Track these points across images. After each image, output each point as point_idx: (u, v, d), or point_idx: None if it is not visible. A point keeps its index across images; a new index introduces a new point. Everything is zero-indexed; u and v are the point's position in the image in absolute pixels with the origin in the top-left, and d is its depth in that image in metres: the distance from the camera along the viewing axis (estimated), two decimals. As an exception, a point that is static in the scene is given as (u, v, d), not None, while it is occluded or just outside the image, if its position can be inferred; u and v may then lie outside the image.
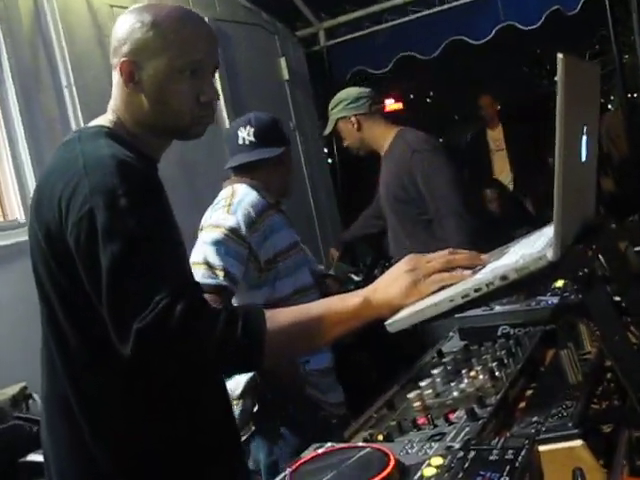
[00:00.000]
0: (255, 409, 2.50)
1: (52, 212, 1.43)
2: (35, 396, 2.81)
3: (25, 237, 3.38)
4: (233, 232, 2.46)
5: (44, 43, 3.73)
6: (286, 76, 5.64)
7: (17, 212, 3.51)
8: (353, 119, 3.42)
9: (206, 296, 1.38)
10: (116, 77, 1.59)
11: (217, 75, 1.70)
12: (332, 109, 3.51)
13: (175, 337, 1.25)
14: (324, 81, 6.03)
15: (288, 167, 2.76)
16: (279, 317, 1.35)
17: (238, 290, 2.47)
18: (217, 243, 2.43)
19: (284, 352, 1.45)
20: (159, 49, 1.52)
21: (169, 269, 1.34)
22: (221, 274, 2.39)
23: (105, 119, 1.60)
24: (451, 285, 1.30)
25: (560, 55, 1.05)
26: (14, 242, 3.33)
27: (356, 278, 4.89)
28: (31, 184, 3.49)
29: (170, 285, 1.28)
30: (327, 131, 3.65)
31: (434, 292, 1.31)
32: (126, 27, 1.55)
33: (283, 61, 5.64)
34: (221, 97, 4.32)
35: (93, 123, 1.61)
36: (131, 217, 1.34)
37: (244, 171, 2.67)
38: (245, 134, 2.67)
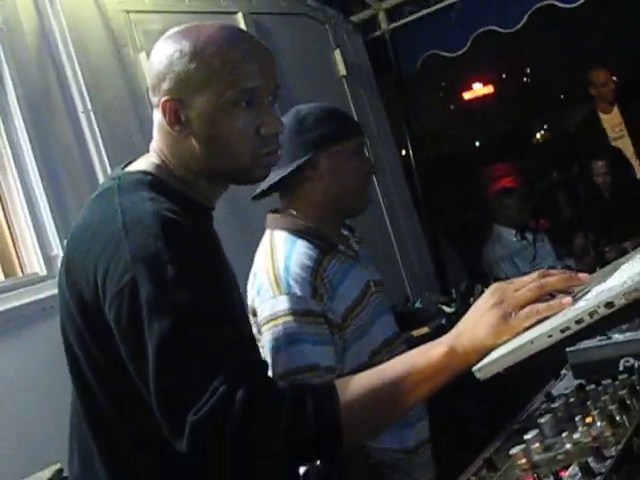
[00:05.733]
0: None
1: (86, 278, 1.46)
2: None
3: (48, 293, 3.53)
4: (302, 313, 2.20)
5: (53, 62, 3.86)
6: (343, 71, 5.70)
7: (36, 265, 3.60)
8: None
9: None
10: (158, 117, 1.62)
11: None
12: None
13: (236, 427, 1.27)
14: (390, 72, 6.09)
15: (335, 175, 2.43)
16: (353, 387, 1.38)
17: None
18: (295, 338, 2.17)
19: (365, 428, 1.46)
20: (205, 81, 1.55)
21: (227, 348, 1.35)
22: (321, 373, 2.15)
23: (148, 162, 1.63)
24: (548, 317, 1.33)
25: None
26: (35, 299, 3.42)
27: (448, 310, 4.90)
28: (50, 230, 3.60)
29: (229, 367, 1.31)
30: None
31: (528, 327, 1.33)
32: (164, 59, 1.58)
33: (338, 54, 5.70)
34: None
35: (134, 167, 1.64)
36: (181, 288, 1.36)
37: (280, 203, 2.49)
38: None
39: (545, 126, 12.55)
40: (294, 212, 2.42)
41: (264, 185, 2.40)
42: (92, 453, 1.55)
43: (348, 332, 2.30)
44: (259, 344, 2.17)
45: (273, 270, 2.26)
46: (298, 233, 2.34)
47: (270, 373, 1.96)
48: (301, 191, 2.43)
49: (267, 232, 2.42)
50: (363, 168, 2.50)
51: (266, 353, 2.18)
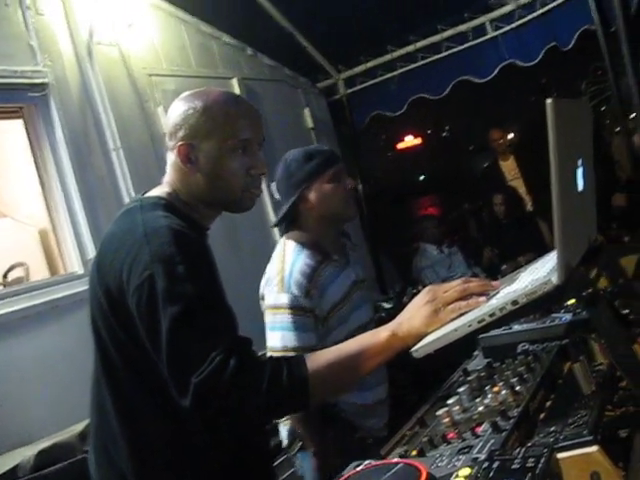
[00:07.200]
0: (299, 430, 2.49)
1: (114, 274, 1.44)
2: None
3: (84, 287, 3.49)
4: (295, 308, 2.26)
5: (92, 111, 3.85)
6: (311, 124, 5.75)
7: (76, 265, 3.58)
8: None
9: None
10: (172, 157, 1.60)
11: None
12: None
13: (229, 387, 1.27)
14: (346, 126, 6.13)
15: (323, 202, 2.39)
16: (319, 360, 1.37)
17: None
18: (286, 325, 2.26)
19: (328, 390, 1.46)
20: (211, 132, 1.54)
21: (222, 327, 1.36)
22: (300, 353, 2.13)
23: (162, 191, 1.61)
24: (468, 311, 1.32)
25: (549, 100, 1.08)
26: (74, 292, 3.42)
27: (387, 306, 4.91)
28: (87, 239, 3.58)
29: (224, 342, 1.30)
30: None
31: (453, 319, 1.33)
32: (180, 113, 1.57)
33: (307, 111, 5.74)
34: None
35: (152, 193, 1.62)
36: (187, 283, 1.35)
37: (288, 228, 2.47)
38: (274, 191, 2.53)
39: (459, 169, 12.63)
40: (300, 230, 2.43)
41: (276, 220, 2.49)
42: (108, 410, 1.53)
43: (331, 321, 2.34)
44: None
45: (282, 272, 2.30)
46: (303, 244, 2.36)
47: (270, 344, 2.26)
48: (301, 219, 2.43)
49: (282, 239, 2.44)
50: (342, 189, 2.42)
51: (268, 329, 2.29)
